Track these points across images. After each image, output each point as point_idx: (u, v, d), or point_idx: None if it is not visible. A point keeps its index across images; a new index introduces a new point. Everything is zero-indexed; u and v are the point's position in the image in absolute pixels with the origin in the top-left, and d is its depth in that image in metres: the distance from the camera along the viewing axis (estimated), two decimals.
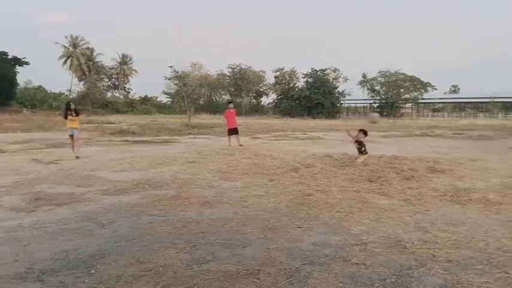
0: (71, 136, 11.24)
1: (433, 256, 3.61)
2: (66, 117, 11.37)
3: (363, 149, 9.33)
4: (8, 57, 50.70)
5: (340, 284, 3.05)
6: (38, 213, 5.06)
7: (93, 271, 3.25)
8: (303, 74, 62.73)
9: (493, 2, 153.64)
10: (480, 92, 67.02)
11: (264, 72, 66.28)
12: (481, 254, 3.68)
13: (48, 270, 3.26)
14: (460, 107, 76.95)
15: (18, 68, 52.74)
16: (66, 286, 3.00)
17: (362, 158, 9.15)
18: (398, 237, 4.13)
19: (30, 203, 5.54)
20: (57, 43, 67.84)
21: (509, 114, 62.61)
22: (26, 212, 5.12)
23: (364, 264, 3.42)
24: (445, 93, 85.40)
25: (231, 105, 15.11)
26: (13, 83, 52.10)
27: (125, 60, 74.42)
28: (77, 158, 10.46)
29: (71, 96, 61.32)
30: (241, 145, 13.68)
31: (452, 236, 4.20)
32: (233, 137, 14.18)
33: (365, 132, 9.49)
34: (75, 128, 11.27)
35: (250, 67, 64.66)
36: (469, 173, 8.12)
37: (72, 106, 11.45)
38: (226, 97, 70.08)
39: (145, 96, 66.79)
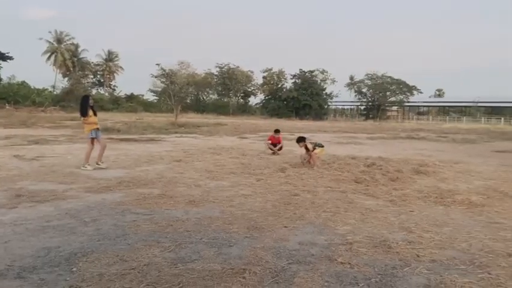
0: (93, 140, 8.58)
1: (417, 256, 3.64)
2: (85, 115, 8.50)
3: (312, 147, 8.99)
4: None
5: (326, 283, 3.04)
6: (19, 210, 4.94)
7: (75, 269, 3.18)
8: (291, 75, 63.04)
9: (481, 10, 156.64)
10: (464, 96, 68.17)
11: (252, 72, 66.32)
12: (464, 254, 3.73)
13: (29, 268, 3.18)
14: (445, 111, 78.20)
15: (1, 63, 51.75)
16: (47, 283, 2.93)
17: (320, 150, 9.08)
18: (383, 237, 4.15)
19: (12, 200, 5.41)
20: (41, 38, 66.80)
21: (492, 118, 63.79)
22: (6, 208, 5.00)
23: (349, 263, 3.42)
24: (430, 97, 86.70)
25: (277, 135, 12.27)
26: None
27: (110, 57, 73.59)
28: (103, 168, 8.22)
29: (55, 93, 60.38)
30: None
31: (436, 236, 4.24)
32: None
33: (302, 140, 9.13)
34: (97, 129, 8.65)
35: (238, 67, 64.63)
36: (452, 175, 8.24)
37: (91, 101, 8.72)
38: (214, 96, 69.94)
39: (131, 94, 66.14)
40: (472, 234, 4.35)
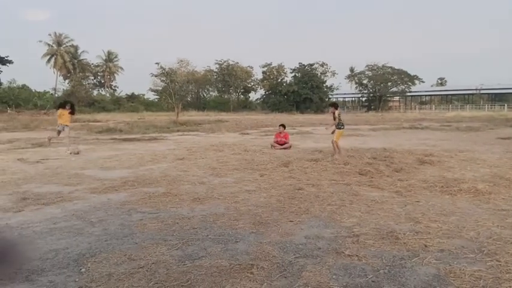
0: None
1: (425, 246, 3.63)
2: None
3: (338, 124, 9.71)
4: None
5: (334, 276, 3.04)
6: (25, 213, 4.96)
7: (83, 270, 3.19)
8: (291, 69, 62.90)
9: None
10: (466, 84, 67.84)
11: (251, 67, 66.16)
12: (473, 243, 3.71)
13: (37, 270, 3.19)
14: (447, 100, 77.78)
15: (1, 67, 51.79)
16: (56, 285, 2.94)
17: (338, 132, 9.60)
18: (390, 229, 4.14)
19: (17, 203, 5.42)
20: (40, 41, 66.80)
21: (495, 105, 63.45)
22: (13, 212, 5.01)
23: (357, 256, 3.42)
24: (432, 86, 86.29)
25: (281, 129, 12.38)
26: None
27: (110, 58, 73.51)
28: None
29: (56, 95, 60.47)
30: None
31: (443, 226, 4.22)
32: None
33: (334, 106, 10.10)
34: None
35: (237, 63, 64.46)
36: (457, 163, 8.20)
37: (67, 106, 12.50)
38: (214, 93, 69.92)
39: (132, 93, 66.13)
40: (479, 222, 4.33)
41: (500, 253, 3.42)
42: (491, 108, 60.48)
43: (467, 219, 4.44)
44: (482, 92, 67.14)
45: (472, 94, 69.73)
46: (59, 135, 12.54)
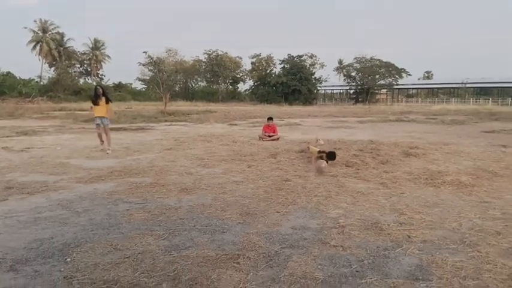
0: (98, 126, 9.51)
1: (409, 237, 3.70)
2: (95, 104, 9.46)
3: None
4: None
5: (319, 266, 3.08)
6: (9, 202, 4.90)
7: (69, 259, 3.18)
8: (280, 60, 62.72)
9: None
10: (452, 78, 68.63)
11: (240, 58, 65.90)
12: (455, 234, 3.79)
13: (22, 260, 3.17)
14: (433, 93, 78.64)
15: None
16: (41, 275, 2.92)
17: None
18: (375, 220, 4.20)
19: (1, 192, 5.35)
20: (25, 28, 65.38)
21: (480, 99, 64.38)
22: None
23: (342, 246, 3.47)
24: (419, 79, 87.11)
25: (270, 121, 12.21)
26: None
27: (97, 46, 72.29)
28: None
29: (42, 83, 59.39)
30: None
31: (426, 217, 4.30)
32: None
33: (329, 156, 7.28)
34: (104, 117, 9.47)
35: (226, 53, 64.08)
36: (442, 156, 8.32)
37: (100, 91, 9.52)
38: (203, 84, 69.52)
39: (119, 82, 65.23)
40: (462, 214, 4.43)
41: (482, 244, 3.51)
42: (476, 101, 61.32)
43: (450, 211, 4.53)
44: (467, 85, 68.01)
45: (458, 88, 70.59)
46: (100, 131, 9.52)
